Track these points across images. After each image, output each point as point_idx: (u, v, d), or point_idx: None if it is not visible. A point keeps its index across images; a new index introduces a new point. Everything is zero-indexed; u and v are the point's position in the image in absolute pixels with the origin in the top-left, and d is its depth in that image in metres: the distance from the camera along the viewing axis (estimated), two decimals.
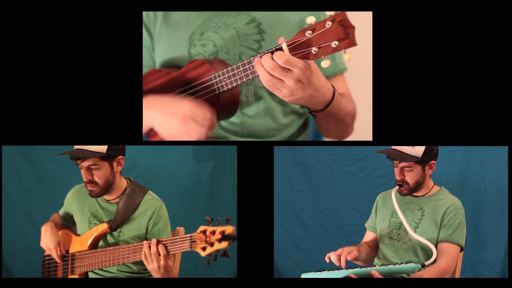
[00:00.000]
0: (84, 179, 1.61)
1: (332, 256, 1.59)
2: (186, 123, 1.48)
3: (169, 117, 1.51)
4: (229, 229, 1.35)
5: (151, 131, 1.64)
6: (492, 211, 2.15)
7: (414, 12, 1.62)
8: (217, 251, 1.36)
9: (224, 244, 1.35)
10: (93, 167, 1.59)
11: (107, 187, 1.62)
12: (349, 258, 1.58)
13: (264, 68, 1.34)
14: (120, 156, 1.64)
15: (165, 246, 1.45)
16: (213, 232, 1.36)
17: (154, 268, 1.46)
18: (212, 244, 1.36)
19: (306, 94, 1.38)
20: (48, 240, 1.65)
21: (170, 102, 1.55)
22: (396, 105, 1.64)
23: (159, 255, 1.46)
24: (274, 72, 1.33)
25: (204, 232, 1.38)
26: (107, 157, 1.60)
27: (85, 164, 1.59)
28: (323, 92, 1.42)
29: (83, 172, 1.61)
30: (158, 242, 1.46)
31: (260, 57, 1.37)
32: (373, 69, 1.66)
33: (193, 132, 1.47)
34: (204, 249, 1.38)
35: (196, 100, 1.55)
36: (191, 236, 1.41)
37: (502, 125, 1.62)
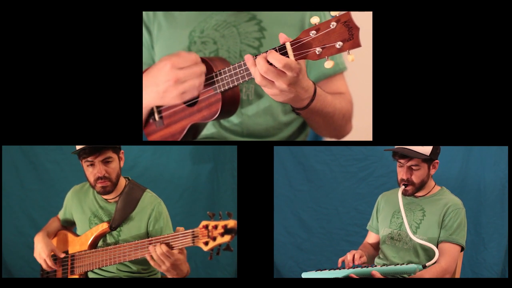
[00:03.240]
0: (99, 175, 1.59)
1: (348, 256, 1.58)
2: (176, 86, 1.48)
3: (159, 87, 1.51)
4: (231, 223, 1.35)
5: (149, 126, 1.63)
6: (492, 211, 2.15)
7: (414, 12, 1.62)
8: (220, 245, 1.36)
9: (226, 238, 1.35)
10: (108, 160, 1.59)
11: (117, 183, 1.62)
12: (359, 262, 1.58)
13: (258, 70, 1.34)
14: (122, 150, 1.64)
15: (167, 244, 1.45)
16: (216, 227, 1.37)
17: (167, 268, 1.45)
18: (214, 239, 1.36)
19: (293, 94, 1.39)
20: (40, 250, 1.63)
21: (149, 73, 1.55)
22: (396, 105, 1.64)
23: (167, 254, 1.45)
24: (267, 75, 1.33)
25: (206, 227, 1.38)
26: (117, 150, 1.61)
27: (100, 158, 1.58)
28: (306, 90, 1.43)
29: (93, 169, 1.59)
30: (160, 242, 1.46)
31: (255, 57, 1.37)
32: (373, 69, 1.66)
33: (189, 88, 1.48)
34: (206, 243, 1.38)
35: (173, 55, 1.53)
36: (193, 231, 1.41)
37: (502, 125, 1.62)
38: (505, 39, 1.61)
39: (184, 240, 1.43)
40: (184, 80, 1.48)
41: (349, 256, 1.58)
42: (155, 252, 1.45)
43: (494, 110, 1.62)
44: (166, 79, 1.49)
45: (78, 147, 1.59)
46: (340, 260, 1.59)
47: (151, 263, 1.47)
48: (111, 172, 1.60)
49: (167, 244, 1.45)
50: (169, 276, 1.49)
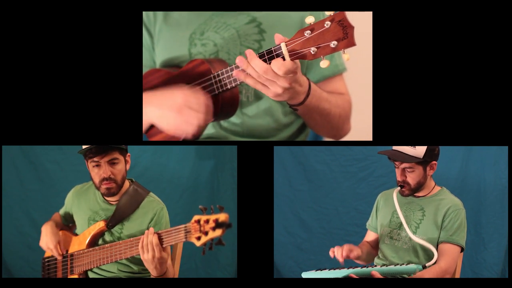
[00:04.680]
0: (104, 175, 1.58)
1: (337, 251, 1.58)
2: (182, 112, 1.48)
3: (164, 110, 1.51)
4: (223, 217, 1.35)
5: (151, 129, 1.64)
6: (492, 211, 2.15)
7: (414, 12, 1.62)
8: (212, 239, 1.36)
9: (218, 232, 1.35)
10: (115, 161, 1.59)
11: (122, 185, 1.62)
12: (351, 257, 1.58)
13: (256, 71, 1.34)
14: (128, 154, 1.64)
15: (159, 236, 1.45)
16: (207, 221, 1.36)
17: (148, 258, 1.46)
18: (206, 233, 1.36)
19: (291, 91, 1.40)
20: (48, 239, 1.64)
21: (163, 94, 1.56)
22: (396, 105, 1.64)
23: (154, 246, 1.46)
24: (267, 75, 1.34)
25: (198, 221, 1.38)
26: (123, 152, 1.61)
27: (106, 159, 1.58)
28: (301, 85, 1.44)
29: (99, 170, 1.59)
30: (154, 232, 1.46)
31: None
32: (373, 69, 1.66)
33: (191, 119, 1.48)
34: (198, 238, 1.38)
35: (189, 87, 1.54)
36: (185, 226, 1.41)
37: (502, 125, 1.62)
38: (505, 39, 1.61)
39: (177, 236, 1.43)
40: (185, 118, 1.48)
41: (336, 251, 1.58)
42: (146, 238, 1.46)
43: (494, 110, 1.62)
44: (171, 108, 1.50)
45: (84, 146, 1.59)
46: (330, 250, 1.59)
47: (139, 247, 1.47)
48: (117, 173, 1.60)
49: (159, 236, 1.45)
50: (146, 266, 1.49)
